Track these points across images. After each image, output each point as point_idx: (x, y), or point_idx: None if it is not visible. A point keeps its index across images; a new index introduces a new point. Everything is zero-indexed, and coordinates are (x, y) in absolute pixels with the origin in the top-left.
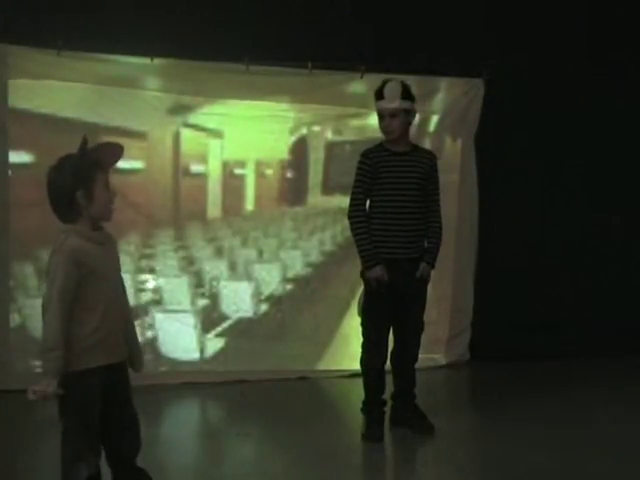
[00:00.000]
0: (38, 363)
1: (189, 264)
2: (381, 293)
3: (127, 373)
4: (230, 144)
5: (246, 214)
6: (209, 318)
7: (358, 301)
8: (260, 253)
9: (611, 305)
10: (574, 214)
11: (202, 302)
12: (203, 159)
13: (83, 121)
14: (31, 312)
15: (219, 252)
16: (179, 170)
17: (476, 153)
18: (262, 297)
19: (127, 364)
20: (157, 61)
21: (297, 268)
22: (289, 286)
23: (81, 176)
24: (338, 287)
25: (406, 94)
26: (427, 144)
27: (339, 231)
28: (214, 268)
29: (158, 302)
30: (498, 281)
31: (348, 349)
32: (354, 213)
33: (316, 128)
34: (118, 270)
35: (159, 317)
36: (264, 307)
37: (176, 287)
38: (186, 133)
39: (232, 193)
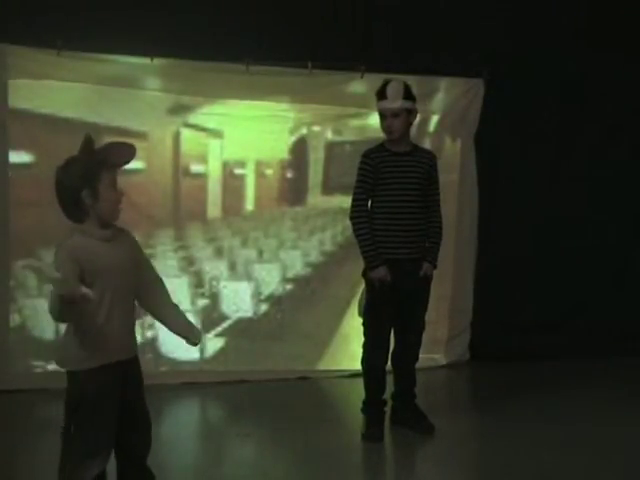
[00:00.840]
0: (38, 363)
1: (189, 264)
2: (384, 293)
3: (139, 370)
4: (230, 144)
5: (246, 214)
6: (209, 318)
7: (359, 302)
8: (260, 253)
9: (611, 305)
10: (574, 214)
11: (202, 302)
12: (203, 159)
13: (83, 121)
14: (31, 312)
15: (219, 252)
16: (179, 170)
17: (476, 153)
18: (262, 297)
19: (139, 361)
20: (157, 61)
21: (297, 268)
22: (289, 286)
23: (86, 175)
24: (338, 287)
25: (408, 94)
26: (427, 144)
27: (339, 231)
28: (214, 268)
29: None
30: (498, 281)
31: (348, 349)
32: (356, 214)
33: (316, 128)
34: (132, 264)
35: None
36: (264, 307)
37: (176, 287)
38: (186, 133)
39: (232, 193)
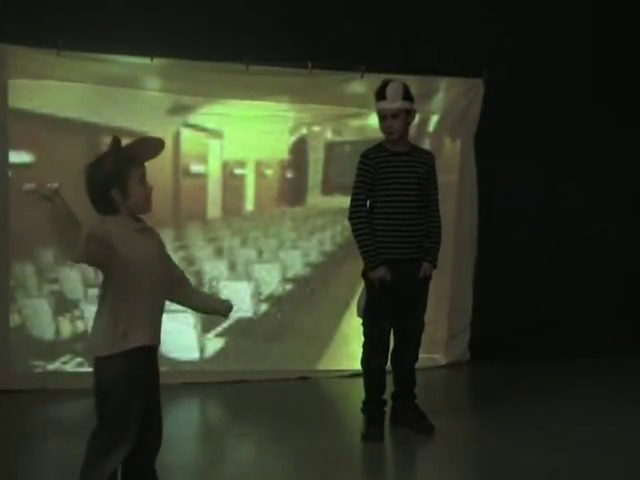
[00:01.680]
0: (38, 363)
1: (189, 264)
2: (383, 293)
3: (157, 361)
4: (230, 144)
5: (246, 214)
6: (209, 318)
7: (357, 302)
8: (260, 253)
9: (611, 305)
10: (574, 214)
11: None
12: (203, 159)
13: (83, 121)
14: (31, 312)
15: (219, 252)
16: (179, 170)
17: (476, 153)
18: (262, 297)
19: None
20: (157, 61)
21: (297, 268)
22: (289, 286)
23: (115, 174)
24: (338, 287)
25: (407, 95)
26: (427, 144)
27: (339, 231)
28: (214, 268)
29: None
30: (498, 281)
31: (348, 349)
32: (355, 214)
33: (316, 128)
34: (162, 257)
35: None
36: (264, 307)
37: None
38: (186, 133)
39: (232, 193)
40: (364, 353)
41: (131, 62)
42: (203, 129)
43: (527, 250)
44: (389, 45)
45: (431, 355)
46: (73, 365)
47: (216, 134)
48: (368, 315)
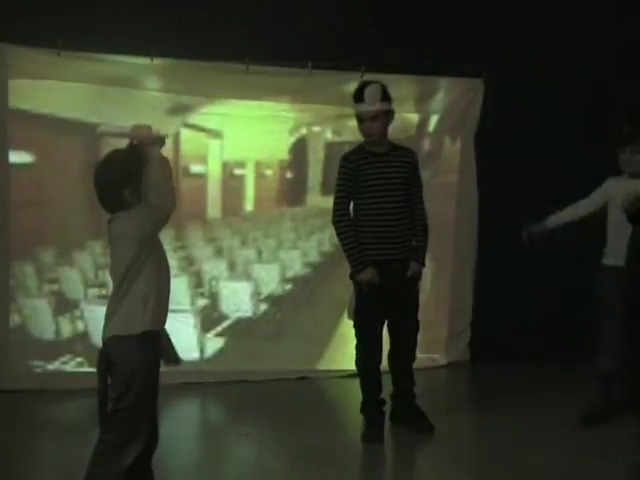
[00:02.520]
0: (38, 363)
1: (189, 264)
2: (372, 295)
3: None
4: (230, 144)
5: (246, 214)
6: (209, 318)
7: (348, 305)
8: (259, 253)
9: None
10: None
11: (202, 302)
12: (203, 159)
13: (83, 121)
14: (31, 312)
15: (219, 252)
16: (179, 170)
17: (476, 153)
18: (261, 297)
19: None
20: (157, 61)
21: (296, 268)
22: (288, 286)
23: (130, 175)
24: (337, 287)
25: (385, 95)
26: (427, 144)
27: None
28: (214, 268)
29: None
30: (498, 281)
31: (348, 349)
32: (338, 218)
33: (316, 128)
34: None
35: None
36: (263, 307)
37: (176, 287)
38: (186, 133)
39: (232, 193)
40: (357, 355)
41: (131, 62)
42: (203, 129)
43: (527, 250)
44: (389, 45)
45: (431, 355)
46: (73, 365)
47: (216, 134)
48: (359, 317)
